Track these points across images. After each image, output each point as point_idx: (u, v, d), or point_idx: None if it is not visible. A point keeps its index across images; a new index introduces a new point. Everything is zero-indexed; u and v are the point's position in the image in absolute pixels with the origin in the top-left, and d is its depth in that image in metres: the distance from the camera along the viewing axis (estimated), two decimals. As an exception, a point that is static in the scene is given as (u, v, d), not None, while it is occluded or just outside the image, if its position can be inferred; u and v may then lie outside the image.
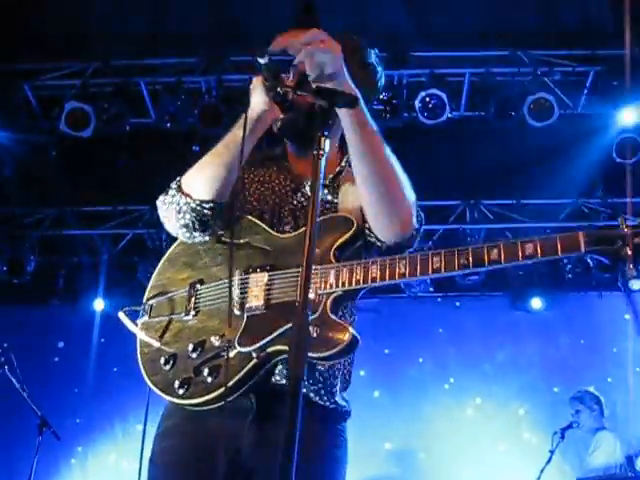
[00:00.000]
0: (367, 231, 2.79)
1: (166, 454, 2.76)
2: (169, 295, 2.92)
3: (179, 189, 2.84)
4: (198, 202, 2.80)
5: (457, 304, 10.76)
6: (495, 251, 2.53)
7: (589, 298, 10.46)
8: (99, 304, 10.03)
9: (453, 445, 9.80)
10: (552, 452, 8.43)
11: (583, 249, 2.46)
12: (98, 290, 9.98)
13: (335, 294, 2.62)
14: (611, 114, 8.86)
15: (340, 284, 2.61)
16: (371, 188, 2.63)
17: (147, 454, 2.82)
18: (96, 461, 10.10)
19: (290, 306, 2.58)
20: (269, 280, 2.73)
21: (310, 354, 2.47)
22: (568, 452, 8.77)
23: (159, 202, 2.92)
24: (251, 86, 2.71)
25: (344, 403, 2.87)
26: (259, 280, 2.74)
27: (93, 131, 8.71)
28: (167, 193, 2.89)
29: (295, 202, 2.97)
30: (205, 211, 2.81)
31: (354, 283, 2.61)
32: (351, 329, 2.53)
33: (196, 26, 9.06)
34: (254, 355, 2.61)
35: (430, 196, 8.87)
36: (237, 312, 2.72)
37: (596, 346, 10.34)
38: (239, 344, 2.64)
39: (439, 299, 10.72)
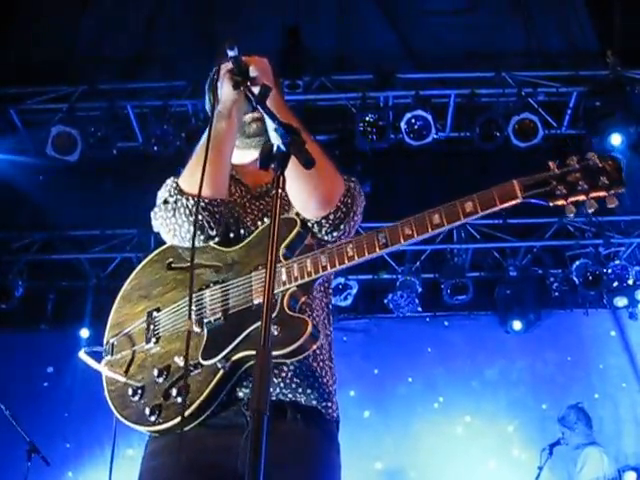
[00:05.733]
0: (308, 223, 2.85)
1: (157, 471, 2.72)
2: (128, 330, 2.95)
3: (181, 192, 2.82)
4: (207, 201, 2.79)
5: (445, 323, 10.77)
6: (436, 216, 2.60)
7: (575, 315, 10.50)
8: (84, 333, 9.85)
9: (444, 463, 9.77)
10: (541, 468, 8.49)
11: (519, 195, 2.52)
12: (84, 318, 9.84)
13: (290, 290, 2.70)
14: (595, 133, 8.92)
15: (292, 280, 2.70)
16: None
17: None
18: (87, 486, 9.97)
19: (247, 312, 2.71)
20: (223, 293, 2.79)
21: (277, 352, 2.54)
22: (556, 468, 8.82)
23: (158, 213, 2.88)
24: (219, 74, 2.78)
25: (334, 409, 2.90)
26: (214, 295, 2.80)
27: (80, 155, 8.69)
28: (166, 202, 2.84)
29: (255, 212, 3.01)
30: (216, 209, 2.82)
31: (306, 276, 2.70)
32: (310, 321, 2.61)
33: (182, 50, 9.10)
34: (219, 366, 2.65)
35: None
36: (197, 330, 2.76)
37: (583, 363, 10.39)
38: (203, 359, 2.69)
39: (427, 319, 10.71)
